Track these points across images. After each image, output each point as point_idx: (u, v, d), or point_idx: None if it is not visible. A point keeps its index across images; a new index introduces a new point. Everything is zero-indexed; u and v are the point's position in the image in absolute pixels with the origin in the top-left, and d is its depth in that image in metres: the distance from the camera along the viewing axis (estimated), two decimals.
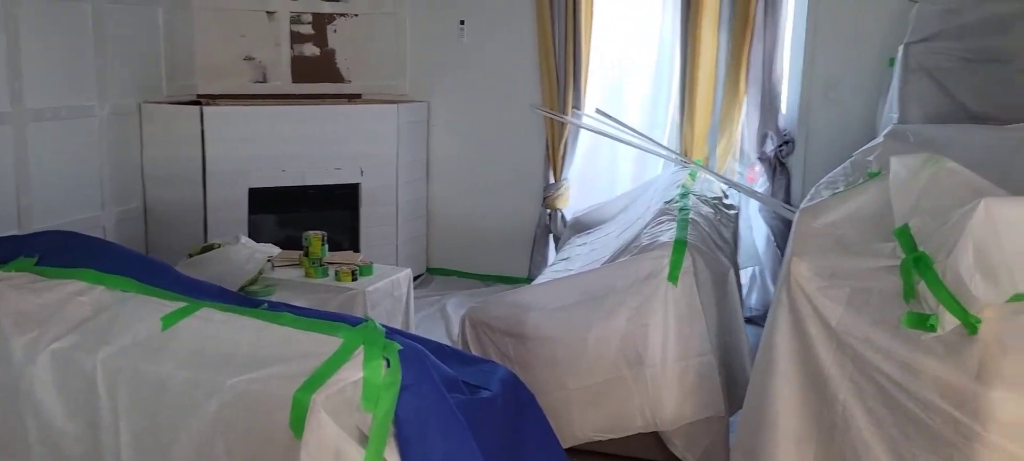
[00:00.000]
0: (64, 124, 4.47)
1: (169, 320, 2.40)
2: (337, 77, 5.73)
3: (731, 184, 4.81)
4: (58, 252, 2.66)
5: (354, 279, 3.89)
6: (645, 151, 5.19)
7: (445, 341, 4.35)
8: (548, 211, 5.42)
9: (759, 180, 4.98)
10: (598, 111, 5.20)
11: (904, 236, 2.30)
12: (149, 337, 2.35)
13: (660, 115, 5.23)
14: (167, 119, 4.96)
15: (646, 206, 4.37)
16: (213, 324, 2.41)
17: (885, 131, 3.62)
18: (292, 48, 5.60)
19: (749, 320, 4.59)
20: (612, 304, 3.20)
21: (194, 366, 2.28)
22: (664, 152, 5.11)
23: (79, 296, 2.47)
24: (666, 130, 5.21)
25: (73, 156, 4.55)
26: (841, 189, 2.77)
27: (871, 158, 3.02)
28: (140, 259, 2.79)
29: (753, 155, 4.95)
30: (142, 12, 4.94)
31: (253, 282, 3.79)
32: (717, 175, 4.86)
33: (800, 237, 2.56)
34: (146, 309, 2.43)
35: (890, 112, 4.02)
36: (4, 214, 4.16)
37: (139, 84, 4.95)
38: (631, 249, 3.57)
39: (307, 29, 5.63)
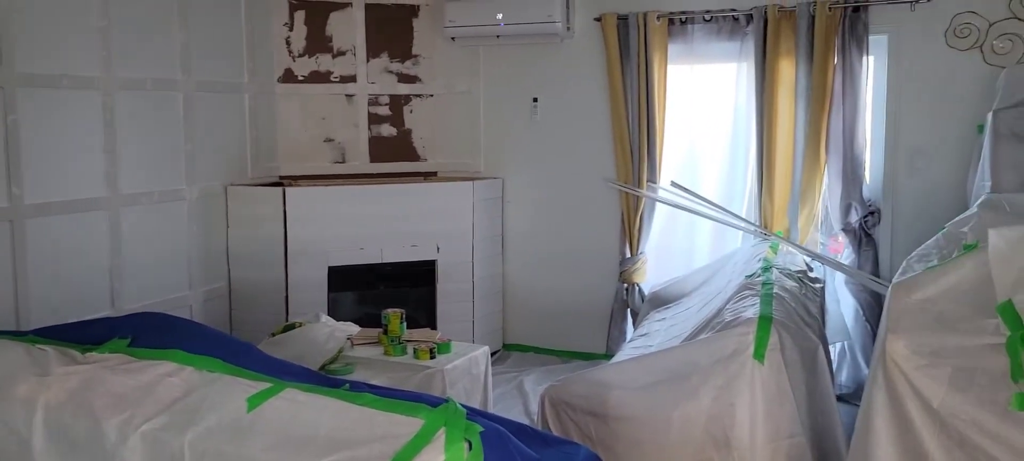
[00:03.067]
0: (156, 208, 4.65)
1: (254, 401, 2.42)
2: (413, 156, 5.84)
3: (815, 256, 4.68)
4: (149, 333, 2.74)
5: (432, 357, 3.89)
6: (723, 224, 5.11)
7: (523, 419, 4.30)
8: (625, 285, 5.37)
9: (844, 251, 4.84)
10: (673, 184, 5.16)
11: (1008, 312, 2.19)
12: (235, 418, 2.38)
13: (738, 187, 5.16)
14: (251, 200, 5.12)
15: (727, 280, 4.28)
16: (296, 405, 2.42)
17: (978, 201, 3.49)
18: (370, 129, 5.75)
19: (840, 398, 4.41)
20: (696, 383, 3.12)
21: (278, 448, 2.28)
22: (743, 225, 5.02)
23: (170, 377, 2.53)
24: (745, 202, 5.13)
25: (163, 238, 4.71)
26: (935, 262, 2.67)
27: (966, 229, 2.91)
28: (226, 340, 2.85)
29: (837, 226, 4.82)
30: (229, 98, 5.15)
31: (333, 360, 3.83)
32: (800, 247, 4.74)
33: (895, 314, 2.46)
34: (233, 390, 2.46)
35: (982, 181, 3.88)
36: (98, 295, 4.32)
37: (225, 167, 5.14)
38: (713, 325, 3.48)
39: (384, 110, 5.78)
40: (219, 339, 2.81)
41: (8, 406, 2.58)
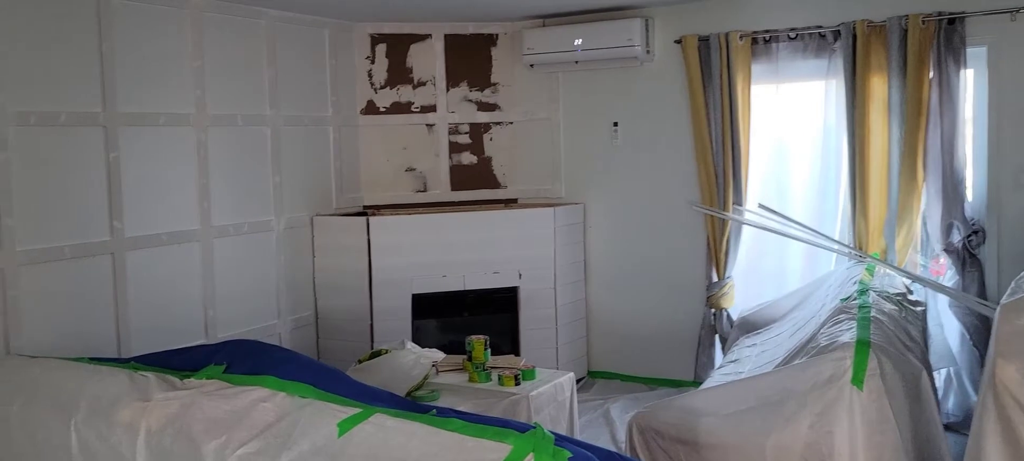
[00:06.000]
0: (246, 239, 4.79)
1: (345, 426, 2.44)
2: (494, 183, 5.87)
3: (916, 278, 4.48)
4: (243, 360, 2.80)
5: (517, 383, 3.87)
6: (815, 246, 4.95)
7: (610, 447, 4.23)
8: (713, 311, 5.25)
9: (946, 273, 4.62)
10: (761, 206, 5.03)
11: None
12: (326, 443, 2.41)
13: (829, 208, 5.00)
14: (336, 230, 5.22)
15: (820, 304, 4.14)
16: (385, 430, 2.43)
17: None
18: (450, 157, 5.81)
19: (947, 427, 4.20)
20: (792, 409, 3.00)
21: None
22: (836, 246, 4.86)
23: (263, 402, 2.57)
24: (837, 223, 4.96)
25: (253, 268, 4.84)
26: None
27: None
28: (317, 366, 2.89)
29: (938, 246, 4.61)
30: (314, 131, 5.28)
31: (419, 387, 3.85)
32: (898, 269, 4.54)
33: (1004, 337, 2.32)
34: (323, 415, 2.49)
35: None
36: (193, 324, 4.47)
37: (311, 198, 5.26)
38: (808, 350, 3.37)
39: (465, 138, 5.83)
40: (310, 365, 2.85)
41: (113, 430, 2.67)
